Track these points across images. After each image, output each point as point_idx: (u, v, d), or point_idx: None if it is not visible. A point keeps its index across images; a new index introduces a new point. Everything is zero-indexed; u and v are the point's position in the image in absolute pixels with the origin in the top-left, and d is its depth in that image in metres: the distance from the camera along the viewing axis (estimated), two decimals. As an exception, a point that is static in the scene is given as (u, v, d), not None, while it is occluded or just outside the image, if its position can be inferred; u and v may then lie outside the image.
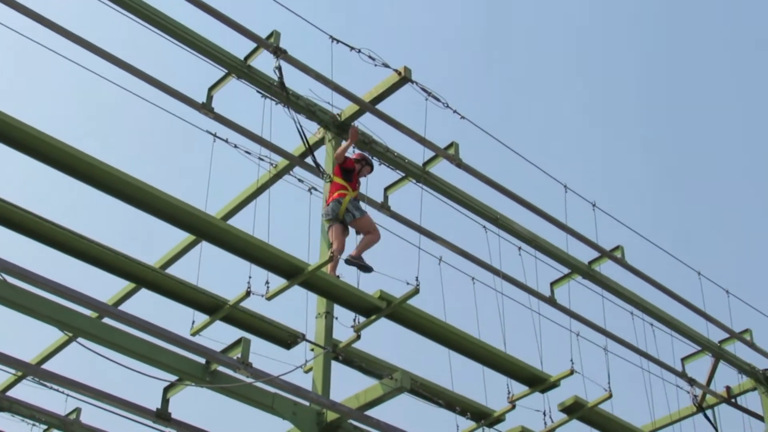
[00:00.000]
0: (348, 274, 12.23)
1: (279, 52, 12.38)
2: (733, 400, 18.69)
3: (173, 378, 10.71)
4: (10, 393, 13.24)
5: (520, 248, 15.17)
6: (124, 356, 10.11)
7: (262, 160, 13.16)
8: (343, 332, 12.06)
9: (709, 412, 18.34)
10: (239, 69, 12.44)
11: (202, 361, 10.55)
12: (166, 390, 10.90)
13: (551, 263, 15.73)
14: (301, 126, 12.76)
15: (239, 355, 10.20)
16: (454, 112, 13.62)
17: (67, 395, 11.86)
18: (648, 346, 16.43)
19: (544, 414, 13.55)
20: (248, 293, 11.14)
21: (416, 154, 13.99)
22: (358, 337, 11.84)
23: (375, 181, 13.54)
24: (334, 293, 11.65)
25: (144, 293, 12.27)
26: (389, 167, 13.76)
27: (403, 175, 13.97)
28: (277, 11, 12.26)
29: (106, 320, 10.57)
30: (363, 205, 12.80)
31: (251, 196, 13.63)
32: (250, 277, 11.19)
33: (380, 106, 13.28)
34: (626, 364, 15.99)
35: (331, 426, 10.98)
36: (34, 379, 12.23)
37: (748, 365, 18.70)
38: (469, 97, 36.32)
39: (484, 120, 14.14)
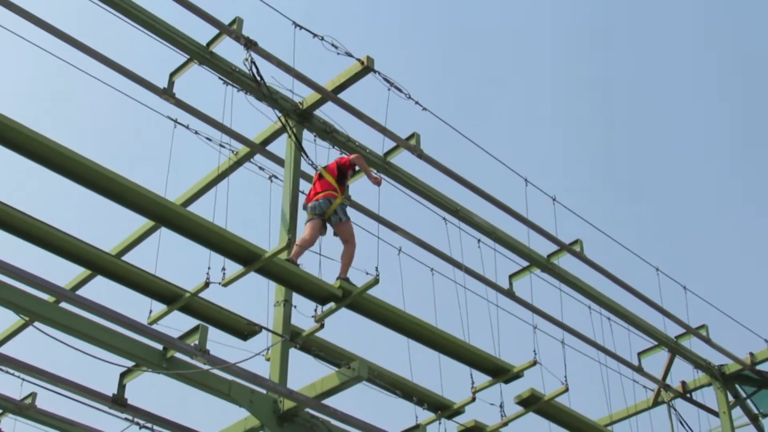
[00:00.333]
0: (309, 264, 12.21)
1: (250, 44, 12.34)
2: (688, 396, 18.86)
3: (130, 364, 10.62)
4: (-35, 377, 13.11)
5: (479, 240, 15.20)
6: (81, 341, 10.00)
7: (222, 147, 13.12)
8: (305, 322, 12.04)
9: (664, 407, 18.52)
10: (201, 55, 12.37)
11: (159, 347, 10.47)
12: (122, 376, 10.80)
13: (510, 256, 15.79)
14: (294, 132, 12.91)
15: (196, 342, 10.13)
16: (416, 103, 13.63)
17: (23, 380, 11.76)
18: (605, 340, 16.54)
19: (501, 407, 13.56)
20: (207, 284, 11.07)
21: (377, 145, 14.00)
22: (322, 327, 11.78)
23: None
24: (291, 281, 11.59)
25: (100, 281, 12.17)
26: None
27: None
28: (240, -5, 12.24)
29: (64, 305, 10.47)
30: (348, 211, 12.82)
31: (211, 183, 13.57)
32: (209, 268, 11.14)
33: (342, 95, 13.26)
34: (583, 358, 16.10)
35: (287, 414, 10.94)
36: (-10, 363, 12.11)
37: (703, 361, 18.86)
38: (431, 88, 36.34)
39: (446, 112, 14.17)
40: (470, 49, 40.81)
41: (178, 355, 10.49)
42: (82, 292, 13.40)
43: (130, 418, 11.08)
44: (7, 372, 11.70)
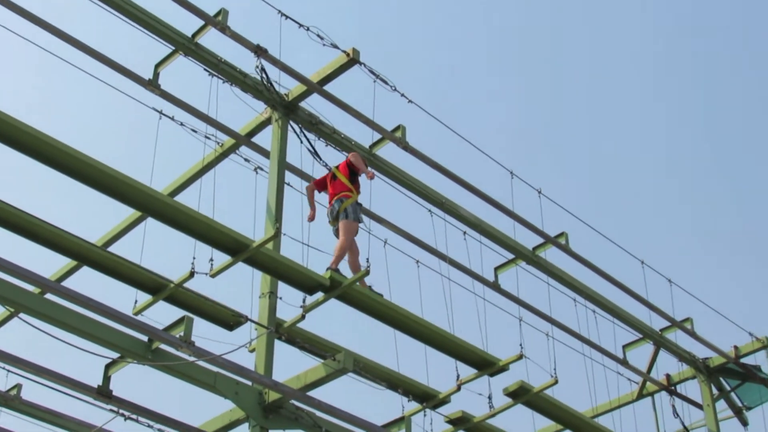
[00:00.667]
0: (295, 254, 12.19)
1: (260, 52, 12.48)
2: (672, 388, 18.89)
3: (115, 355, 10.61)
4: (-51, 368, 13.06)
5: (465, 233, 15.21)
6: (66, 332, 9.98)
7: (208, 138, 13.10)
8: (292, 313, 12.00)
9: (648, 400, 18.58)
10: (186, 46, 12.35)
11: (145, 338, 10.45)
12: (107, 367, 10.78)
13: (496, 248, 15.81)
14: (310, 142, 13.16)
15: (182, 334, 10.12)
16: (402, 95, 13.64)
17: (8, 371, 11.72)
18: (590, 332, 16.57)
19: (489, 398, 13.57)
20: (192, 274, 11.05)
21: (364, 137, 14.00)
22: (303, 318, 11.75)
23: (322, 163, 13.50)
24: (278, 270, 11.57)
25: (86, 271, 12.14)
26: (336, 149, 13.72)
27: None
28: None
29: (49, 296, 10.44)
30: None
31: (197, 174, 13.53)
32: (194, 258, 11.12)
33: (328, 87, 13.25)
34: (568, 350, 16.11)
35: (272, 406, 10.93)
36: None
37: (688, 354, 18.91)
38: (418, 80, 36.37)
39: (432, 105, 14.19)
40: (457, 41, 40.85)
41: (164, 346, 10.48)
42: (67, 283, 13.35)
43: (115, 409, 11.02)
44: (-9, 363, 11.67)
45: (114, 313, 9.77)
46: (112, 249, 13.35)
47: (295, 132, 13.15)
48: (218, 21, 12.24)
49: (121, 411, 11.05)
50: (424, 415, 13.04)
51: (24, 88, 31.04)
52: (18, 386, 12.33)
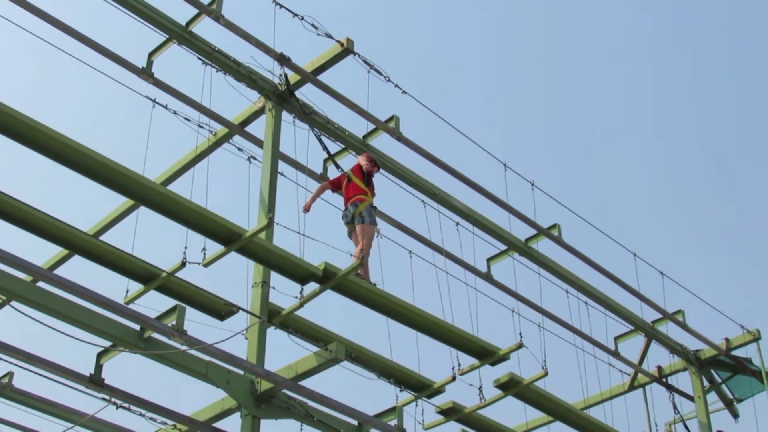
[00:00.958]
0: (290, 244, 12.18)
1: (283, 60, 12.60)
2: (663, 380, 18.93)
3: (107, 344, 10.60)
4: (-60, 357, 13.05)
5: (458, 224, 15.23)
6: (58, 321, 9.98)
7: (201, 127, 13.08)
8: (283, 302, 11.98)
9: (639, 392, 18.62)
10: (180, 35, 12.32)
11: (137, 327, 10.45)
12: (99, 356, 10.78)
13: (489, 239, 15.83)
14: (321, 140, 13.24)
15: (174, 323, 10.11)
16: (396, 86, 13.63)
17: (0, 359, 11.70)
18: (582, 324, 16.61)
19: (480, 390, 13.56)
20: (184, 263, 11.05)
21: (358, 127, 14.00)
22: (301, 306, 11.70)
23: (315, 153, 13.53)
24: (271, 260, 11.55)
25: (78, 260, 12.12)
26: (329, 138, 13.71)
27: (343, 146, 13.94)
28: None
29: (41, 284, 10.43)
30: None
31: (190, 163, 13.52)
32: (186, 247, 11.12)
33: (322, 77, 13.24)
34: (560, 341, 16.14)
35: (264, 395, 10.93)
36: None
37: (679, 346, 18.95)
38: (412, 71, 36.37)
39: (426, 96, 14.19)
40: (452, 32, 40.83)
41: (156, 335, 10.47)
42: (59, 271, 13.35)
43: (107, 397, 11.03)
44: (-17, 351, 11.65)
45: (106, 301, 9.76)
46: (104, 238, 13.34)
47: (314, 135, 13.23)
48: (212, 10, 12.22)
49: (112, 399, 11.06)
50: (416, 406, 13.06)
51: (16, 75, 31.00)
52: (10, 374, 12.35)
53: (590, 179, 39.41)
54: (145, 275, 11.24)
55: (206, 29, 12.47)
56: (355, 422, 11.95)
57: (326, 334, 12.36)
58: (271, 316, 11.62)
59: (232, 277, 12.22)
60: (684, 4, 41.57)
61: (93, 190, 10.75)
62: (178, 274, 11.23)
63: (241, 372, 10.98)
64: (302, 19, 12.65)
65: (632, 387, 18.57)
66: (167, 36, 12.31)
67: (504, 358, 13.36)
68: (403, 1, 40.85)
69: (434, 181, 14.95)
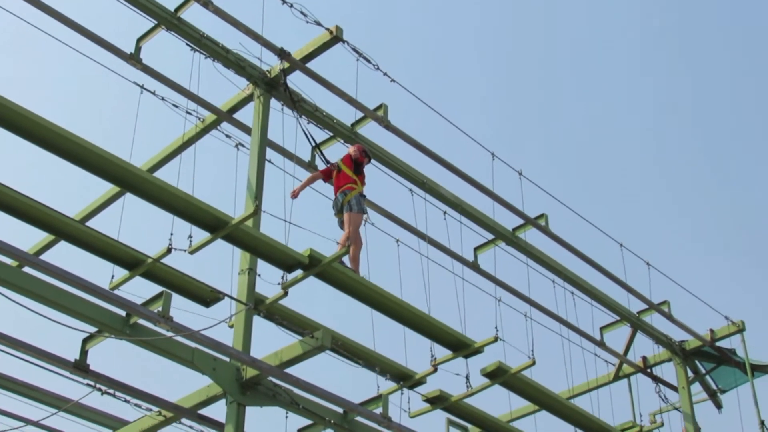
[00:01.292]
0: (276, 231, 12.17)
1: (284, 55, 12.73)
2: (648, 370, 18.99)
3: (92, 329, 10.59)
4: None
5: (445, 213, 15.22)
6: (43, 306, 9.94)
7: (189, 114, 13.05)
8: (270, 290, 12.00)
9: (624, 382, 18.66)
10: (169, 21, 12.28)
11: (123, 313, 10.44)
12: (84, 341, 10.78)
13: (476, 229, 15.84)
14: (308, 131, 13.27)
15: (160, 309, 10.10)
16: (384, 74, 13.62)
17: (-16, 345, 11.68)
18: (568, 314, 16.63)
19: (467, 378, 13.58)
20: (169, 250, 11.04)
21: (346, 115, 13.99)
22: (285, 294, 11.73)
23: (303, 140, 13.51)
24: (257, 248, 11.55)
25: (63, 246, 12.09)
26: (318, 126, 13.70)
27: (332, 134, 13.93)
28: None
29: (26, 269, 10.40)
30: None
31: (177, 150, 13.48)
32: (171, 234, 11.10)
33: (311, 65, 13.22)
34: (546, 331, 16.17)
35: (250, 382, 10.93)
36: (-50, 328, 11.99)
37: (664, 336, 19.00)
38: (401, 60, 36.34)
39: (415, 85, 14.18)
40: (442, 21, 40.79)
41: (142, 321, 10.46)
42: (45, 257, 13.33)
43: (92, 383, 11.01)
44: (-32, 336, 11.60)
45: (92, 287, 9.73)
46: (90, 224, 13.29)
47: (301, 128, 13.20)
48: (204, -2, 12.19)
49: (97, 385, 11.04)
50: (401, 394, 13.07)
51: (1, 60, 30.87)
52: (-6, 359, 12.30)
53: (578, 169, 39.53)
54: (131, 261, 11.20)
55: (195, 15, 12.47)
56: (340, 410, 11.98)
57: (312, 324, 12.35)
58: (257, 304, 11.61)
59: (219, 264, 12.21)
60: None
61: (79, 176, 10.70)
62: (164, 261, 11.21)
63: (227, 359, 10.98)
64: (291, 6, 12.63)
65: (617, 377, 18.60)
66: (156, 22, 12.27)
67: (478, 351, 13.37)
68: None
69: (422, 169, 14.98)
